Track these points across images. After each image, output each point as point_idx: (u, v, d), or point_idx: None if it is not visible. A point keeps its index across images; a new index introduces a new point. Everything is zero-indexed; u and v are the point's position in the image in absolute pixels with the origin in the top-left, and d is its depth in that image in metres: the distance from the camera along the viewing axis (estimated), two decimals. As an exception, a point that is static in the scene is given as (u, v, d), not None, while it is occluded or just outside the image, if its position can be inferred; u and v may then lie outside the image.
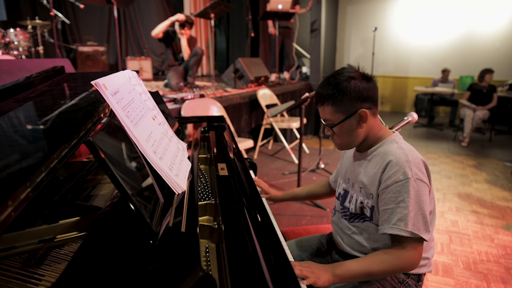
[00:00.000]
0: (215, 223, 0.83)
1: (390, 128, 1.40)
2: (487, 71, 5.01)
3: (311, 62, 5.76)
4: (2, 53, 4.17)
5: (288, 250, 0.92)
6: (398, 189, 0.94)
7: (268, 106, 4.09)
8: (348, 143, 1.07)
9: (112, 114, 0.79)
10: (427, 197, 0.95)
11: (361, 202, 1.06)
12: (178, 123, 1.35)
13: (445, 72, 6.16)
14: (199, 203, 0.89)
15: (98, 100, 0.97)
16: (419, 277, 1.07)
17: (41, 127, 0.78)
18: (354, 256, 1.10)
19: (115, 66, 6.56)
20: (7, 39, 4.33)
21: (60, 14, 5.05)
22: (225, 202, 0.91)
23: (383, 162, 0.99)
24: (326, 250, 1.24)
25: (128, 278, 0.58)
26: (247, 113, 4.14)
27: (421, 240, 0.93)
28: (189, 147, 1.27)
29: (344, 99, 1.00)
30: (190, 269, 0.59)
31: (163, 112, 1.09)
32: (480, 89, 5.03)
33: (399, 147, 1.02)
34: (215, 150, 1.33)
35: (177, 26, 4.23)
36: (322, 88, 1.03)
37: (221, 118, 1.81)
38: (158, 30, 4.27)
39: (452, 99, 6.22)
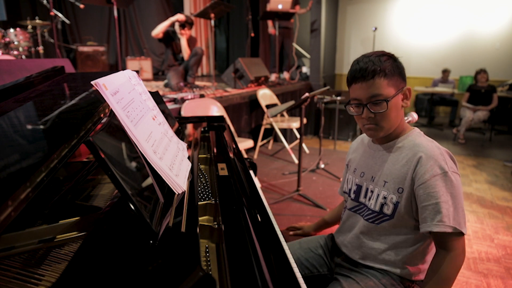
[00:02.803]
0: (215, 223, 0.83)
1: None
2: (479, 71, 5.04)
3: (311, 62, 5.76)
4: (2, 53, 4.17)
5: (288, 250, 0.92)
6: (437, 183, 0.92)
7: (268, 106, 4.09)
8: (394, 123, 1.00)
9: (112, 114, 0.79)
10: (462, 189, 0.95)
11: (384, 197, 1.01)
12: (178, 123, 1.35)
13: (446, 72, 6.16)
14: (199, 203, 0.89)
15: (98, 100, 0.97)
16: None
17: (41, 127, 0.78)
18: (356, 260, 1.08)
19: (115, 66, 6.57)
20: (7, 39, 4.33)
21: (60, 14, 5.05)
22: (225, 202, 0.91)
23: (415, 155, 0.96)
24: (326, 253, 1.22)
25: (128, 278, 0.58)
26: (247, 113, 4.14)
27: (462, 233, 0.92)
28: (189, 147, 1.27)
29: (395, 72, 0.97)
30: (190, 269, 0.59)
31: (163, 112, 1.09)
32: (478, 90, 5.04)
33: (429, 140, 1.00)
34: (215, 150, 1.33)
35: (177, 26, 4.23)
36: (368, 63, 0.96)
37: (221, 118, 1.81)
38: (158, 30, 4.27)
39: (452, 99, 6.22)
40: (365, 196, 1.08)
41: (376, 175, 1.05)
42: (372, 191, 1.05)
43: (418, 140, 1.00)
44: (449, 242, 0.92)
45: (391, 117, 0.98)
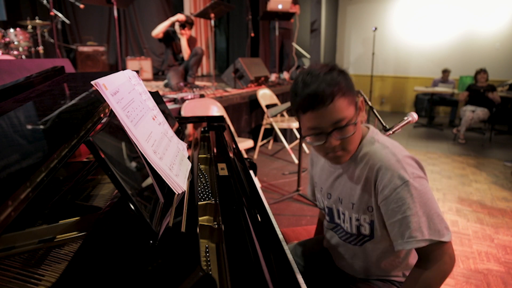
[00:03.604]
0: (215, 223, 0.83)
1: (389, 129, 1.39)
2: (479, 71, 5.05)
3: (311, 62, 5.75)
4: (2, 53, 4.16)
5: (288, 250, 0.92)
6: (399, 196, 0.82)
7: (268, 106, 4.09)
8: (358, 142, 0.91)
9: (112, 114, 0.79)
10: (431, 192, 0.84)
11: (357, 220, 0.93)
12: (178, 123, 1.34)
13: (446, 72, 6.17)
14: (199, 203, 0.89)
15: (98, 100, 0.97)
16: None
17: (41, 127, 0.78)
18: (346, 272, 1.06)
19: (115, 66, 6.56)
20: (7, 39, 4.33)
21: (60, 14, 5.05)
22: (225, 202, 0.91)
23: (372, 169, 0.87)
24: (323, 258, 1.18)
25: (128, 278, 0.58)
26: (247, 113, 4.14)
27: (444, 242, 0.82)
28: (189, 147, 1.27)
29: (349, 87, 0.85)
30: (190, 269, 0.59)
31: (163, 112, 1.09)
32: (477, 90, 5.05)
33: (383, 146, 0.89)
34: (215, 150, 1.33)
35: (177, 26, 4.23)
36: (321, 84, 0.81)
37: (221, 118, 1.81)
38: (158, 30, 4.27)
39: (452, 99, 6.22)
40: (339, 218, 1.01)
41: (343, 197, 0.97)
42: (343, 213, 0.98)
43: (371, 150, 0.90)
44: (431, 255, 0.83)
45: (356, 137, 0.89)
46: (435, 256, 0.82)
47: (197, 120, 1.78)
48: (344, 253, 1.04)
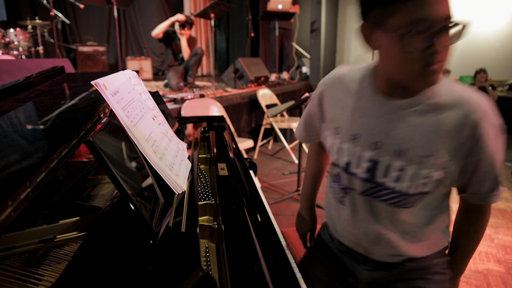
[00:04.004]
0: (215, 223, 0.83)
1: None
2: (479, 71, 5.06)
3: (311, 62, 5.76)
4: (2, 53, 4.16)
5: (288, 250, 0.92)
6: (495, 148, 0.74)
7: (268, 106, 4.09)
8: None
9: (112, 114, 0.79)
10: None
11: (426, 177, 0.75)
12: (178, 123, 1.34)
13: (445, 72, 6.17)
14: (199, 203, 0.89)
15: (98, 100, 0.97)
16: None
17: (41, 127, 0.78)
18: (390, 261, 0.89)
19: (115, 66, 6.56)
20: (7, 39, 4.33)
21: (60, 14, 5.05)
22: (225, 202, 0.91)
23: (466, 116, 0.72)
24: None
25: (128, 278, 0.58)
26: (247, 113, 4.14)
27: None
28: (189, 147, 1.27)
29: None
30: (190, 269, 0.59)
31: (163, 112, 1.09)
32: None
33: (467, 89, 0.77)
34: (215, 150, 1.33)
35: (177, 26, 4.24)
36: None
37: (221, 118, 1.81)
38: (158, 30, 4.28)
39: (452, 99, 6.23)
40: (386, 175, 0.79)
41: (407, 148, 0.76)
42: (402, 170, 0.77)
43: (458, 92, 0.74)
44: (487, 206, 0.83)
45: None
46: (488, 207, 0.84)
47: (197, 120, 1.78)
48: (385, 224, 0.84)
